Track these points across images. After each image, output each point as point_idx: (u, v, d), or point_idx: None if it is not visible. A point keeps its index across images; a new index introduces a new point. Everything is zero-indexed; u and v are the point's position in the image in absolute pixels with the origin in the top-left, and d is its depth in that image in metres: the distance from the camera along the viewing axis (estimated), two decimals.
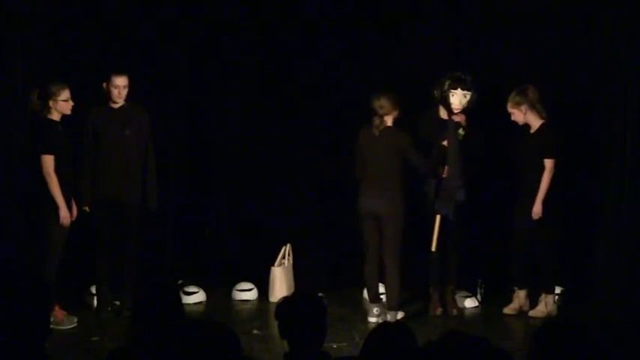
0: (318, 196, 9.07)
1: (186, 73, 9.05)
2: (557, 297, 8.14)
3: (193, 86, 9.10)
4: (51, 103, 7.49)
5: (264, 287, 8.63)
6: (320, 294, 8.08)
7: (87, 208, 7.84)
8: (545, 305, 8.01)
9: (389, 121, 7.73)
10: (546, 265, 8.05)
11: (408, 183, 7.86)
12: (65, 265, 7.54)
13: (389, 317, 7.65)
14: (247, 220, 9.14)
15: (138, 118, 7.97)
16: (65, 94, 7.52)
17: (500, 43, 8.63)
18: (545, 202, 7.91)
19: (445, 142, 7.85)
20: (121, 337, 7.25)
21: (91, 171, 7.89)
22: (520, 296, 8.13)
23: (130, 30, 8.67)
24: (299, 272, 8.76)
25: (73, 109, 7.56)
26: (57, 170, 7.45)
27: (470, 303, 8.43)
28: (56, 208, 7.44)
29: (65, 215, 7.47)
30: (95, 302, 8.09)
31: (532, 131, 8.01)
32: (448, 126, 7.90)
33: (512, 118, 7.99)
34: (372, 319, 7.79)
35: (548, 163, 7.93)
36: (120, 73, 7.86)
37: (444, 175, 7.85)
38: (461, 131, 7.86)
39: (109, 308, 7.96)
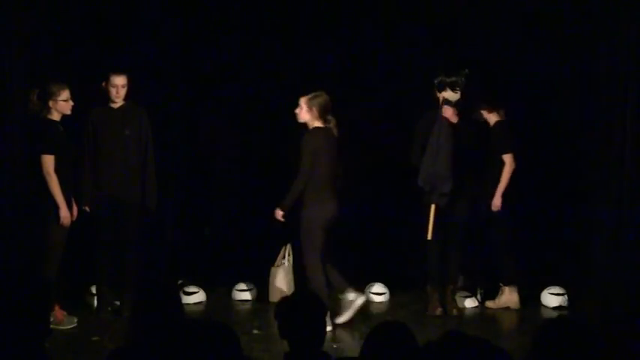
0: None
1: (186, 72, 9.04)
2: (508, 289, 8.33)
3: (193, 86, 9.10)
4: (51, 103, 7.50)
5: (264, 287, 8.63)
6: None
7: (87, 208, 7.84)
8: (503, 296, 8.29)
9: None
10: (500, 259, 8.29)
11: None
12: (65, 265, 7.54)
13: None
14: (247, 220, 9.14)
15: (137, 117, 7.97)
16: (65, 94, 7.52)
17: (500, 40, 8.65)
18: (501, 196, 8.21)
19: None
20: (121, 337, 7.29)
21: (90, 171, 7.89)
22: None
23: (130, 30, 8.67)
24: (299, 272, 8.76)
25: (73, 109, 7.57)
26: (57, 170, 7.45)
27: (470, 303, 8.44)
28: (56, 207, 7.45)
29: (65, 215, 7.47)
30: (95, 302, 8.10)
31: (490, 128, 8.28)
32: (438, 117, 7.95)
33: (478, 117, 8.27)
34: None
35: (507, 158, 8.20)
36: (118, 72, 7.88)
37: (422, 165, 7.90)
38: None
39: (109, 308, 7.96)
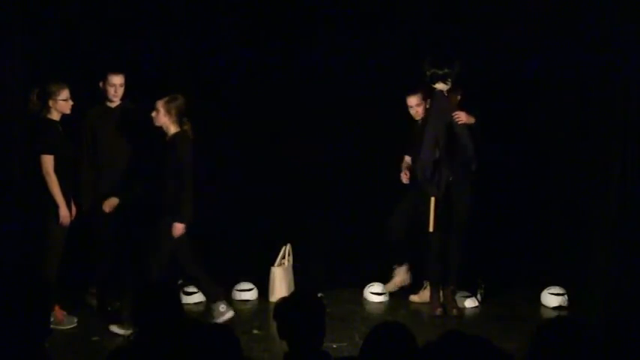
0: (318, 196, 9.06)
1: (186, 71, 9.03)
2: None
3: (192, 85, 9.09)
4: (50, 102, 7.49)
5: (264, 287, 8.63)
6: (320, 294, 8.12)
7: (87, 209, 7.84)
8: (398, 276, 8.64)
9: None
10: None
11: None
12: (65, 265, 7.54)
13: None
14: (247, 220, 9.13)
15: (135, 117, 7.98)
16: (65, 93, 7.52)
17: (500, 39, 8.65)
18: None
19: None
20: (121, 337, 7.30)
21: (89, 171, 7.89)
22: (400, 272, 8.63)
23: (129, 29, 8.67)
24: (299, 272, 8.76)
25: (73, 108, 7.57)
26: (57, 170, 7.45)
27: (470, 303, 8.43)
28: (56, 207, 7.44)
29: (65, 215, 7.47)
30: (95, 302, 8.09)
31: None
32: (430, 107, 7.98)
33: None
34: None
35: None
36: (116, 71, 7.89)
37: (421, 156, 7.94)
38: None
39: (109, 308, 7.96)
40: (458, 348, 3.57)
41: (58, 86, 7.50)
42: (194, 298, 8.51)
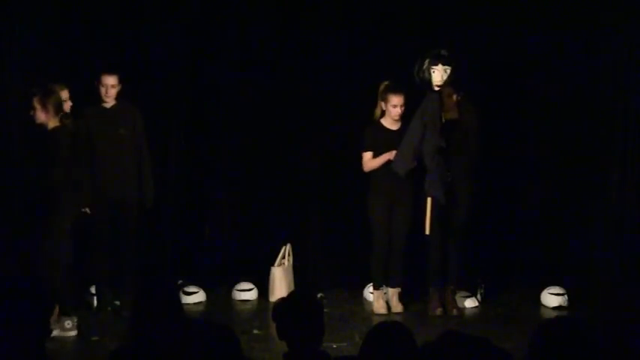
0: (318, 196, 9.06)
1: (185, 70, 9.03)
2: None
3: (192, 84, 9.09)
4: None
5: (264, 287, 8.63)
6: (320, 294, 8.13)
7: (87, 210, 7.84)
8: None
9: None
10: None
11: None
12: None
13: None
14: (247, 220, 9.14)
15: (131, 116, 8.00)
16: (64, 94, 7.51)
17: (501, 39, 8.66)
18: None
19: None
20: (121, 337, 7.29)
21: (88, 172, 7.90)
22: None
23: (128, 29, 8.68)
24: (299, 272, 8.76)
25: (71, 109, 7.56)
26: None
27: (470, 303, 8.43)
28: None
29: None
30: (95, 302, 8.10)
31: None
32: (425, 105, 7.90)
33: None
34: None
35: None
36: (109, 72, 7.91)
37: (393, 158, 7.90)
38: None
39: (109, 308, 7.96)
40: (457, 348, 3.57)
41: (57, 86, 7.49)
42: (194, 298, 8.51)
